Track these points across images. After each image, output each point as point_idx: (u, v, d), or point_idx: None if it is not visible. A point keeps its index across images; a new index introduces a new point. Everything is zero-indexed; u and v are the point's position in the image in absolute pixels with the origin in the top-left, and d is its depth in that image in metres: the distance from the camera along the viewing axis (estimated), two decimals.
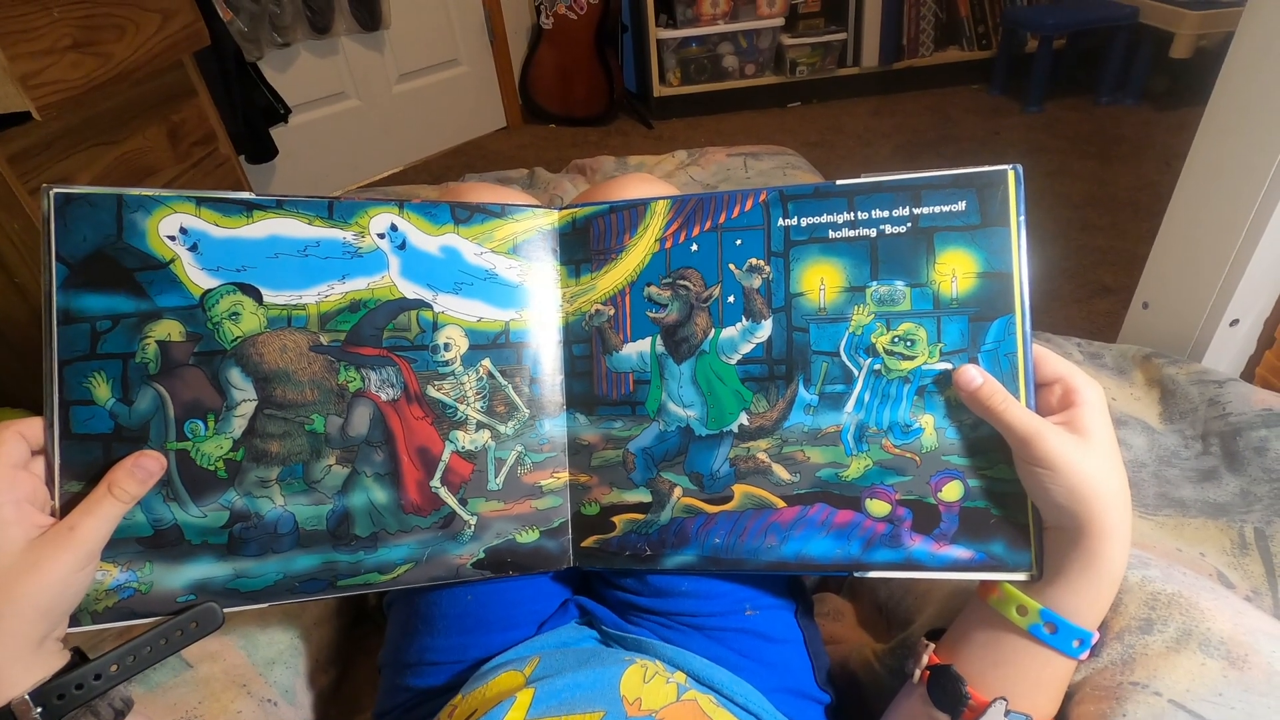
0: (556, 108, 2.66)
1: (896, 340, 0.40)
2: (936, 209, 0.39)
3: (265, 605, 0.40)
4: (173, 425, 0.38)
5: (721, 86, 2.61)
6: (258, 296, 0.39)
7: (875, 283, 0.40)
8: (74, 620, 0.36)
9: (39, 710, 0.32)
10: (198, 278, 0.38)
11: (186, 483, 0.38)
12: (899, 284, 0.40)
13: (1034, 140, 2.22)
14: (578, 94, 2.61)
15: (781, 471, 0.41)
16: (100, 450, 0.37)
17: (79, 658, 0.35)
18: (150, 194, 0.38)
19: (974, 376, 0.38)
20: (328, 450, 0.40)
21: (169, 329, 0.38)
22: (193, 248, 0.38)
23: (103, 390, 0.37)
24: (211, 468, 0.39)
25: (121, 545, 0.37)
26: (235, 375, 0.39)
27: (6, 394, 1.24)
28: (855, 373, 0.40)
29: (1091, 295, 1.51)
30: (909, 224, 0.40)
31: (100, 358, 0.37)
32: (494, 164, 2.39)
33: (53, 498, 0.36)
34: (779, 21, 2.52)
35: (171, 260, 0.38)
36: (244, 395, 0.39)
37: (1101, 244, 1.66)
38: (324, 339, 0.40)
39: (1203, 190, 0.75)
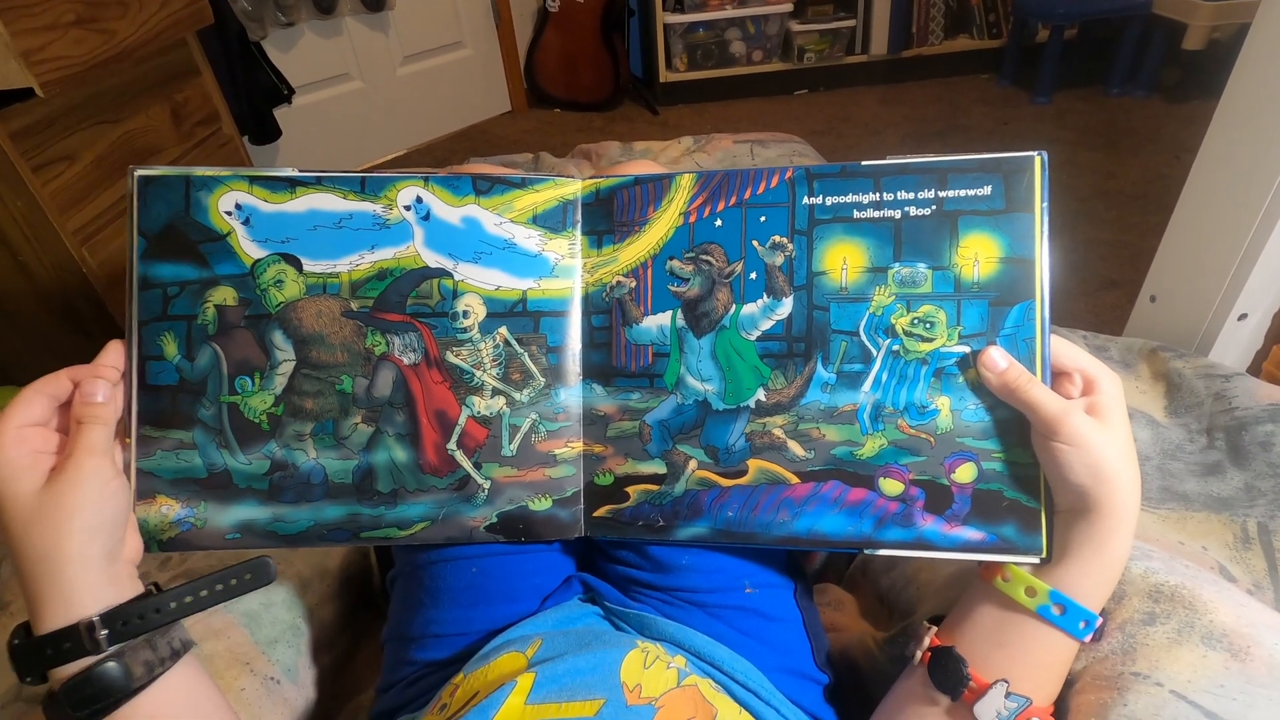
0: (561, 92, 2.64)
1: (916, 322, 0.40)
2: (962, 192, 0.40)
3: (299, 548, 0.44)
4: (225, 380, 0.43)
5: (728, 73, 2.59)
6: (298, 265, 0.43)
7: (897, 264, 0.40)
8: (145, 547, 0.41)
9: (104, 633, 0.35)
10: (249, 248, 0.43)
11: (236, 432, 0.43)
12: (921, 266, 0.40)
13: (1042, 131, 2.21)
14: (583, 79, 2.59)
15: (797, 448, 0.42)
16: (169, 399, 0.42)
17: (154, 590, 0.38)
18: (212, 173, 0.42)
19: (999, 359, 0.38)
20: (355, 409, 0.43)
21: (225, 294, 0.43)
22: (245, 221, 0.43)
23: (171, 348, 0.42)
24: (256, 420, 0.43)
25: (182, 484, 0.42)
26: (278, 337, 0.43)
27: (7, 373, 1.24)
28: (874, 353, 0.41)
29: (1098, 288, 1.50)
30: (934, 206, 0.40)
31: (170, 319, 0.42)
32: (498, 148, 2.38)
33: (129, 437, 0.41)
34: (788, 7, 2.49)
35: (228, 233, 0.42)
36: (285, 356, 0.43)
37: (1109, 237, 1.65)
38: (354, 305, 0.43)
39: (1214, 183, 0.74)
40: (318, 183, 0.43)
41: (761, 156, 1.39)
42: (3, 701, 0.45)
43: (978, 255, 0.39)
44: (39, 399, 0.37)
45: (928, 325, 0.40)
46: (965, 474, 0.40)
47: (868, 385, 0.41)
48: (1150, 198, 1.79)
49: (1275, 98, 0.66)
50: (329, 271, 0.43)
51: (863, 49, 2.59)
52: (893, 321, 0.40)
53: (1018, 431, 0.39)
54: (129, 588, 0.37)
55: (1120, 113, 2.25)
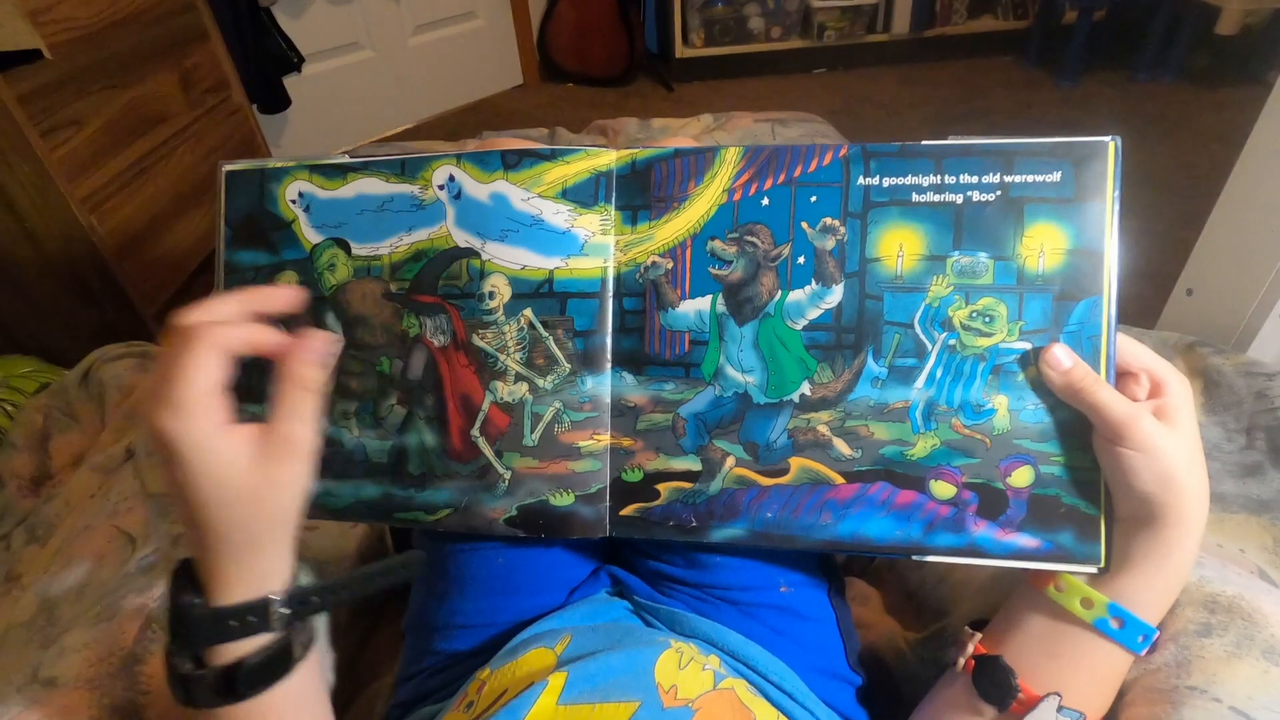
0: (574, 66, 2.59)
1: (975, 315, 0.38)
2: (1029, 178, 0.37)
3: (343, 522, 0.44)
4: None
5: (745, 49, 2.53)
6: (348, 249, 0.44)
7: (957, 252, 0.38)
8: None
9: (285, 612, 0.35)
10: (309, 234, 0.44)
11: None
12: (982, 256, 0.38)
13: (1067, 117, 2.16)
14: (597, 53, 2.54)
15: (843, 446, 0.40)
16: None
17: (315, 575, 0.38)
18: (282, 164, 0.44)
19: (1063, 358, 0.36)
20: (391, 390, 0.43)
21: (289, 279, 0.44)
22: (306, 209, 0.44)
23: None
24: None
25: None
26: (330, 319, 0.44)
27: (16, 341, 1.23)
28: (929, 347, 0.38)
29: (1128, 279, 1.47)
30: (998, 191, 0.37)
31: None
32: (510, 122, 2.34)
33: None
34: None
35: (293, 220, 0.44)
36: (336, 336, 0.44)
37: (1136, 226, 1.61)
38: (393, 287, 0.43)
39: (1261, 174, 0.71)
40: (365, 167, 0.44)
41: (782, 136, 1.35)
42: (20, 683, 0.44)
43: (1043, 246, 0.37)
44: (216, 357, 0.33)
45: (987, 319, 0.38)
46: (1022, 477, 0.38)
47: (921, 381, 0.39)
48: (1179, 186, 1.75)
49: None
50: (373, 254, 0.44)
51: (884, 27, 2.53)
52: (950, 314, 0.38)
53: (1079, 434, 0.37)
54: (293, 565, 0.37)
55: (1148, 99, 2.20)
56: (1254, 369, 0.68)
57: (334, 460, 0.44)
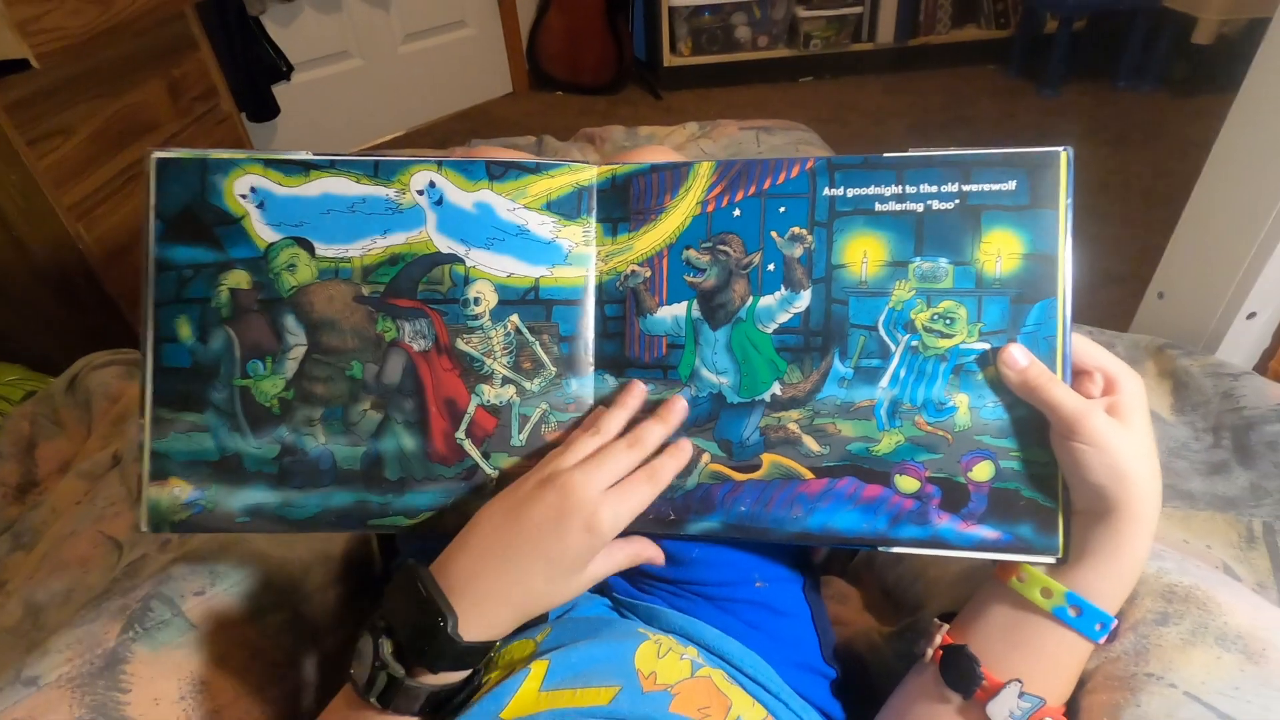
0: (564, 74, 2.61)
1: (936, 318, 0.39)
2: (986, 187, 0.39)
3: (307, 533, 0.43)
4: (238, 364, 0.43)
5: (733, 58, 2.57)
6: (311, 249, 0.43)
7: (919, 259, 0.40)
8: (157, 527, 0.43)
9: (492, 655, 0.38)
10: (263, 232, 0.42)
11: (247, 416, 0.43)
12: (942, 261, 0.39)
13: (1049, 124, 2.19)
14: (586, 61, 2.56)
15: (812, 443, 0.41)
16: (183, 381, 0.42)
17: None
18: (228, 156, 0.42)
19: (1019, 358, 0.38)
20: (364, 395, 0.43)
21: (239, 278, 0.42)
22: (260, 205, 0.42)
23: (185, 330, 0.42)
24: (268, 404, 0.43)
25: (194, 467, 0.43)
26: (290, 321, 0.43)
27: (3, 348, 1.23)
28: (892, 348, 0.40)
29: (1103, 283, 1.50)
30: (957, 200, 0.39)
31: (185, 302, 0.42)
32: (500, 130, 2.35)
33: (142, 416, 0.42)
34: None
35: (243, 216, 0.42)
36: (296, 340, 0.43)
37: (1114, 232, 1.65)
38: (366, 290, 0.43)
39: (1227, 180, 0.74)
40: (331, 166, 0.43)
41: (767, 144, 1.37)
42: (3, 685, 0.44)
43: (1000, 251, 0.39)
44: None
45: (948, 321, 0.39)
46: (982, 472, 0.39)
47: (885, 381, 0.40)
48: (1156, 193, 1.78)
49: None
50: (341, 256, 0.43)
51: (869, 36, 2.57)
52: (912, 317, 0.40)
53: (1036, 430, 0.38)
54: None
55: (1128, 106, 2.24)
56: (1221, 370, 0.70)
57: (295, 469, 0.43)
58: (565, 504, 0.37)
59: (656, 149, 0.59)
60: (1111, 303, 1.44)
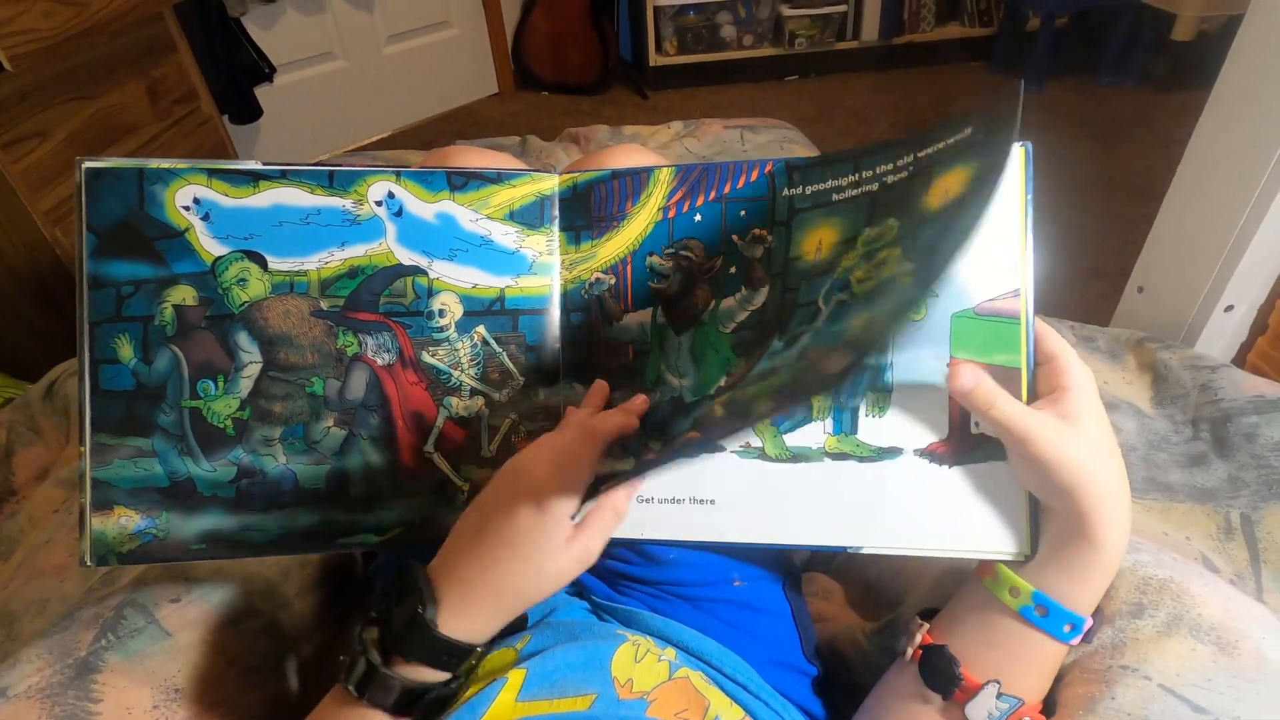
0: (549, 75, 2.61)
1: (870, 270, 0.37)
2: (941, 144, 0.36)
3: (271, 556, 0.42)
4: (187, 384, 0.41)
5: (718, 57, 2.56)
6: (263, 263, 0.41)
7: (868, 229, 0.38)
8: (101, 560, 0.40)
9: (473, 663, 0.37)
10: (210, 245, 0.40)
11: (199, 438, 0.41)
12: (890, 220, 0.37)
13: (1032, 120, 2.18)
14: (571, 61, 2.55)
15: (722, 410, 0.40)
16: (124, 406, 0.40)
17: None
18: (168, 165, 0.40)
19: (966, 380, 0.36)
20: (326, 412, 0.42)
21: (184, 294, 0.40)
22: (205, 217, 0.40)
23: (126, 350, 0.40)
24: (221, 425, 0.41)
25: (142, 494, 0.40)
26: (243, 338, 0.41)
27: None
28: (823, 309, 0.38)
29: (1085, 278, 1.51)
30: (912, 167, 0.37)
31: (124, 320, 0.40)
32: (485, 130, 2.35)
33: (82, 444, 0.40)
34: None
35: (186, 229, 0.40)
36: (250, 358, 0.41)
37: (1096, 226, 1.66)
38: (324, 304, 0.42)
39: (1203, 175, 0.74)
40: (283, 176, 0.41)
41: (752, 142, 1.37)
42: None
43: (948, 188, 0.35)
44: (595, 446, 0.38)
45: (879, 266, 0.37)
46: None
47: (807, 339, 0.38)
48: (1138, 188, 1.79)
49: (1266, 90, 0.66)
50: (296, 269, 0.41)
51: (854, 35, 2.57)
52: (849, 279, 0.38)
53: None
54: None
55: (1110, 102, 2.25)
56: (1199, 363, 0.70)
57: (254, 492, 0.41)
58: (515, 487, 0.36)
59: (627, 148, 0.58)
60: (1094, 297, 1.45)
